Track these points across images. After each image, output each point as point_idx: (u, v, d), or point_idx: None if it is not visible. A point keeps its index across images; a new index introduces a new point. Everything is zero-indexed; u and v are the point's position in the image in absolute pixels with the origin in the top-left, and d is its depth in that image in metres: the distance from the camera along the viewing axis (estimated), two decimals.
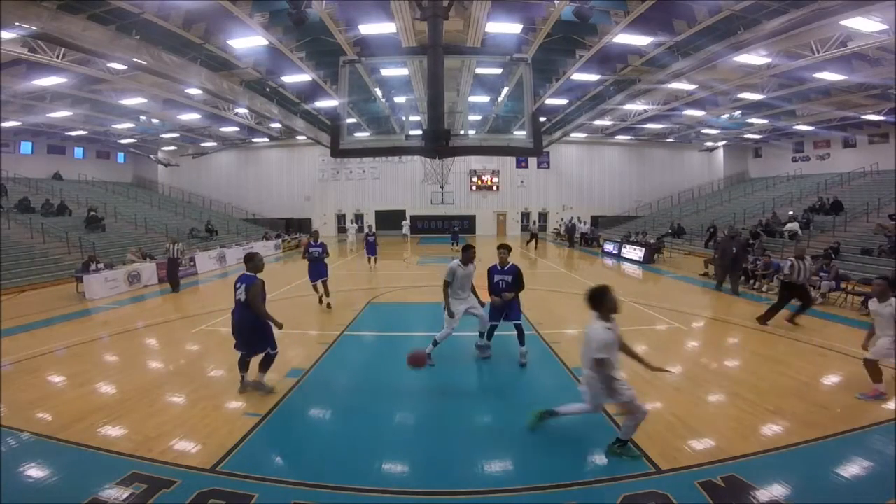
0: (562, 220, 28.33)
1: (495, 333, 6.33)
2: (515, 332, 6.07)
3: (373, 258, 16.29)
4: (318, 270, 9.54)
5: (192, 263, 15.64)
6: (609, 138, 30.28)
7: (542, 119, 22.37)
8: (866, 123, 21.42)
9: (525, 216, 32.55)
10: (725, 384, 5.44)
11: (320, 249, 9.48)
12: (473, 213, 31.93)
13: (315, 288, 9.71)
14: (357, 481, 3.52)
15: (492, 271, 6.05)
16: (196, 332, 7.98)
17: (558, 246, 24.67)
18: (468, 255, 5.90)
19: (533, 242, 22.45)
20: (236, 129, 25.44)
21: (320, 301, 9.74)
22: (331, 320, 8.65)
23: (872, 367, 4.95)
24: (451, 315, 5.80)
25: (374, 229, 17.42)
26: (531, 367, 5.98)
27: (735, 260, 10.97)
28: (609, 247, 20.85)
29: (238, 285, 4.98)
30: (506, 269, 5.99)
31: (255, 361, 5.20)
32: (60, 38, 9.75)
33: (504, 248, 6.11)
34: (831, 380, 5.75)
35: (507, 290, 5.87)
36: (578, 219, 27.45)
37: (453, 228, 22.33)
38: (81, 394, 5.31)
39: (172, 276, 12.30)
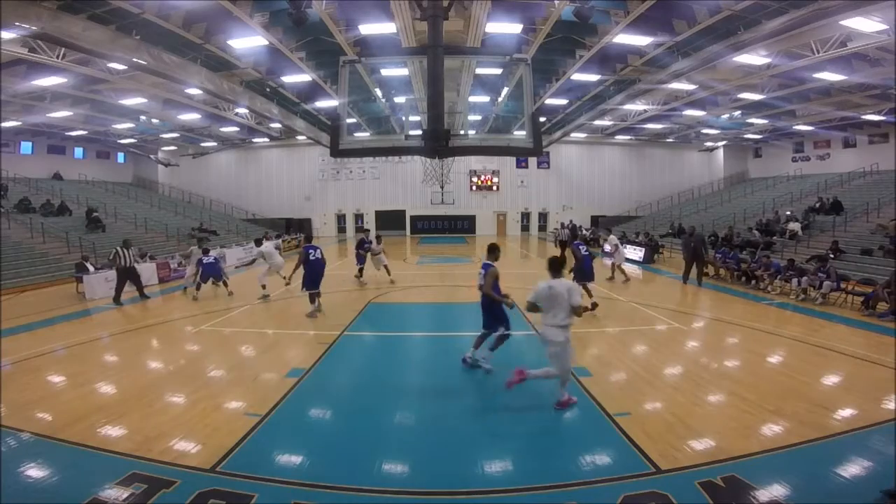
0: (561, 223, 28.10)
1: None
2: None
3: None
4: None
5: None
6: (609, 138, 30.26)
7: (542, 119, 22.37)
8: (866, 123, 21.40)
9: (525, 216, 32.53)
10: (725, 384, 5.43)
11: None
12: (473, 213, 31.90)
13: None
14: (357, 481, 3.52)
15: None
16: (196, 332, 7.98)
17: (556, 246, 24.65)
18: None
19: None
20: (236, 129, 25.41)
21: None
22: (331, 320, 8.64)
23: None
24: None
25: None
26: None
27: (695, 254, 12.21)
28: (608, 247, 20.80)
29: None
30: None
31: None
32: (60, 38, 9.74)
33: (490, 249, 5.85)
34: (831, 380, 5.76)
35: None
36: (581, 226, 27.38)
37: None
38: (81, 394, 5.31)
39: (137, 286, 11.08)
